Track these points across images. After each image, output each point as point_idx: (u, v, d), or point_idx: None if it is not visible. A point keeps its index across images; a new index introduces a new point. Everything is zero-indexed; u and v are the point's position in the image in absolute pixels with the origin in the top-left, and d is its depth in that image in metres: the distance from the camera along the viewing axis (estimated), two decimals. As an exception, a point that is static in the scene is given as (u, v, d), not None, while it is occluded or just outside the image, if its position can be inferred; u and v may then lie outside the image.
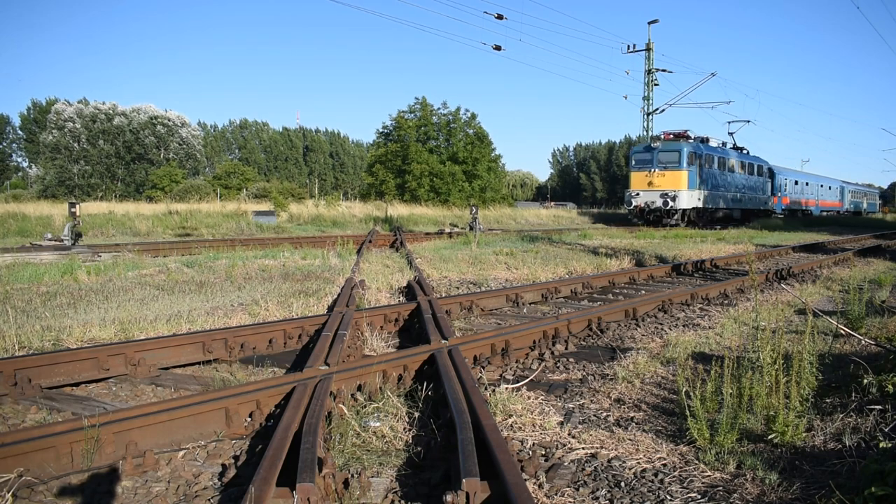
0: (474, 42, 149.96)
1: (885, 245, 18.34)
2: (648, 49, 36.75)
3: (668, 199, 28.72)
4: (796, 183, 43.43)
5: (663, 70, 37.36)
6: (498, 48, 22.89)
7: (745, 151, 36.84)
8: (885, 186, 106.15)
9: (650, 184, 29.35)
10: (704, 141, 31.92)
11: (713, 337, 5.60)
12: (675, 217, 28.88)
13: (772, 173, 39.46)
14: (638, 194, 29.95)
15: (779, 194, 39.82)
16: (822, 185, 49.75)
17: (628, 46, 36.79)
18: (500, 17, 23.07)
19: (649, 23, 37.32)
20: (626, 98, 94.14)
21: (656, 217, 29.41)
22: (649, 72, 36.87)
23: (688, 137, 30.79)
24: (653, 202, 29.07)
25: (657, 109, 36.96)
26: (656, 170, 29.34)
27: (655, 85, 36.91)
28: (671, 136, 30.87)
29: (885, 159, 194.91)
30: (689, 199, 29.00)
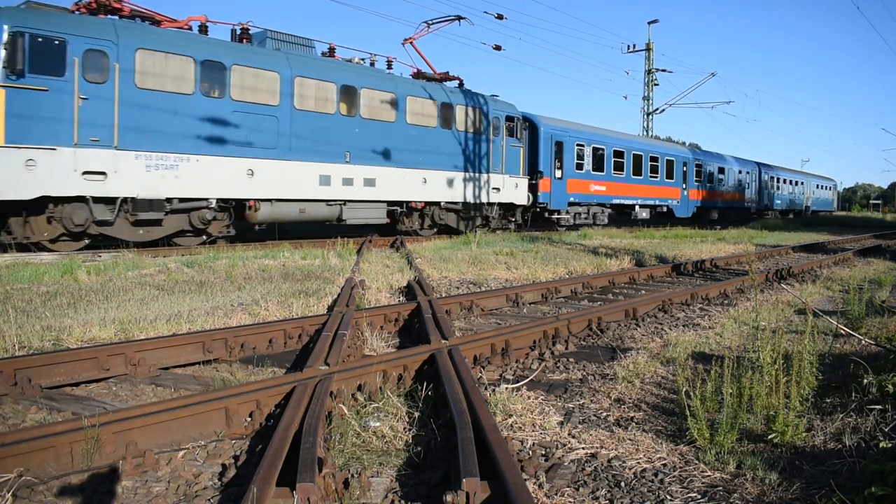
0: (474, 42, 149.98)
1: (885, 245, 18.35)
2: (648, 49, 36.75)
3: None
4: (619, 156, 24.00)
5: (663, 70, 37.41)
6: (498, 48, 22.84)
7: (458, 86, 18.76)
8: (886, 186, 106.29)
9: None
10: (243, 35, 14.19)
11: (713, 337, 5.60)
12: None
13: (534, 130, 20.69)
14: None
15: (557, 176, 21.35)
16: (684, 163, 28.46)
17: (628, 46, 36.79)
18: (500, 17, 23.01)
19: (649, 23, 37.31)
20: (625, 98, 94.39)
21: None
22: (649, 72, 36.88)
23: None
24: None
25: (657, 109, 36.98)
26: None
27: (655, 85, 36.91)
28: None
29: (885, 159, 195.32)
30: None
